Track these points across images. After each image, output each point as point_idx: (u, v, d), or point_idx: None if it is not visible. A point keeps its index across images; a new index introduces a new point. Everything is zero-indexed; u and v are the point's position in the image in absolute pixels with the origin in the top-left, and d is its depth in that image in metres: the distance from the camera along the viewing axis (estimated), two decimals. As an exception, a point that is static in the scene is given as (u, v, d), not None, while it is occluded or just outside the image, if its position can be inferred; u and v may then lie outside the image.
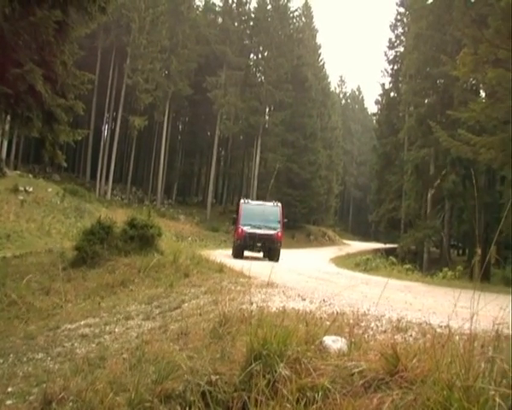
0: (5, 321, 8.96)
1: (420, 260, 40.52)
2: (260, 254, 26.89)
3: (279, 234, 25.44)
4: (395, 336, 3.82)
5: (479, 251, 39.36)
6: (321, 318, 4.90)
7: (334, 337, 3.27)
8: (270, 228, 25.37)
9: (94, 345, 6.28)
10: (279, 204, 27.04)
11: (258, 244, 25.21)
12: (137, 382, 3.63)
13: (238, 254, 24.75)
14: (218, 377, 3.19)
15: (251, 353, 3.03)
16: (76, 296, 9.92)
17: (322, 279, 14.46)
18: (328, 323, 4.54)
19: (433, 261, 39.13)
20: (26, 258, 15.85)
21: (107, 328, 7.08)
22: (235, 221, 26.58)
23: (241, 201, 27.95)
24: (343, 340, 3.22)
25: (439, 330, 4.21)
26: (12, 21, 11.23)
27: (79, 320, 7.82)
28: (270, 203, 27.37)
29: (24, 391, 4.92)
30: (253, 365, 2.93)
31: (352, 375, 2.64)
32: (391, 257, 33.38)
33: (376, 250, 45.42)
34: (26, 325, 8.37)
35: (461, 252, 54.58)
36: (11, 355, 6.43)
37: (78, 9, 12.89)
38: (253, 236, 24.79)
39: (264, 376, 2.86)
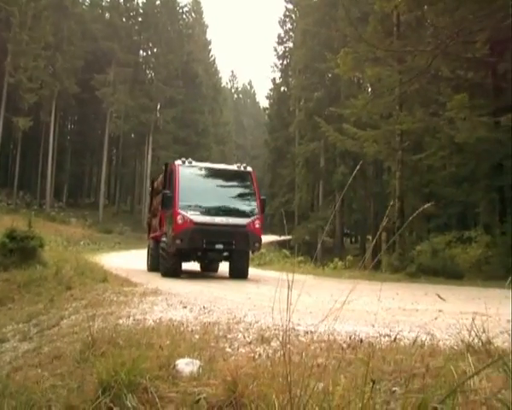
0: None
1: (314, 250, 41.63)
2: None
3: (257, 224, 14.76)
4: (257, 349, 3.90)
5: (370, 238, 41.05)
6: (192, 330, 4.92)
7: (187, 360, 3.29)
8: (239, 214, 14.79)
9: (-38, 375, 5.95)
10: (250, 169, 16.00)
11: (219, 246, 14.34)
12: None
13: (173, 268, 14.64)
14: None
15: (100, 384, 2.98)
16: None
17: (212, 280, 14.56)
18: (197, 336, 4.58)
19: (327, 251, 40.30)
20: None
21: (-20, 353, 6.74)
22: (166, 202, 14.69)
23: (177, 162, 15.45)
24: (196, 362, 3.25)
25: (301, 338, 4.35)
26: None
27: (-51, 347, 7.37)
28: (233, 167, 16.29)
29: None
30: (101, 398, 2.88)
31: (198, 401, 2.67)
32: (284, 250, 34.16)
33: (271, 243, 46.29)
34: None
35: (354, 240, 56.68)
36: None
37: None
38: (208, 229, 14.04)
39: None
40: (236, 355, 3.67)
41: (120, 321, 5.97)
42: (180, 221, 13.99)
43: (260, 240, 14.92)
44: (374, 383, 1.88)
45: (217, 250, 14.48)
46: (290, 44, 56.56)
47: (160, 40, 63.52)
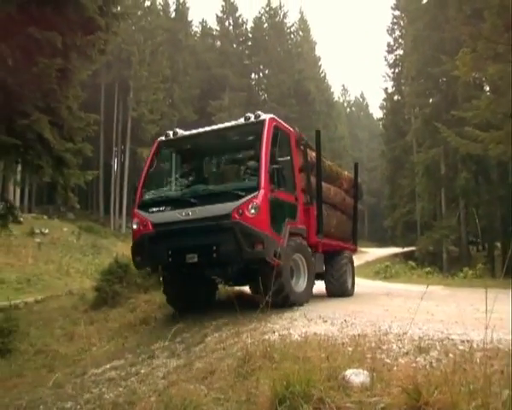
0: (32, 371, 9.06)
1: (439, 260, 40.23)
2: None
3: (253, 209, 8.21)
4: (417, 359, 3.85)
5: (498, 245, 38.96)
6: (343, 343, 4.93)
7: (356, 371, 3.30)
8: (223, 197, 8.53)
9: (121, 389, 6.30)
10: (265, 116, 9.23)
11: (192, 257, 8.49)
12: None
13: (169, 296, 10.08)
14: (245, 423, 3.21)
15: (275, 396, 3.06)
16: (100, 339, 10.00)
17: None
18: (350, 349, 4.59)
19: (453, 261, 38.87)
20: (47, 303, 16.03)
21: (133, 369, 7.11)
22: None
23: (158, 140, 10.39)
24: (365, 372, 3.25)
25: (461, 346, 4.23)
26: (16, 74, 11.48)
27: (105, 364, 7.86)
28: (239, 121, 9.53)
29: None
30: (278, 409, 2.95)
31: (378, 411, 2.67)
32: (410, 262, 33.33)
33: (395, 255, 45.30)
34: (53, 373, 8.44)
35: (480, 248, 54.11)
36: (41, 407, 6.48)
37: (78, 55, 13.17)
38: (173, 232, 8.72)
39: (290, 420, 2.88)
40: (398, 365, 3.64)
41: (266, 337, 6.09)
42: (135, 226, 9.20)
43: (262, 238, 8.19)
44: None
45: (191, 265, 8.70)
46: (400, 52, 55.49)
47: (271, 61, 64.73)
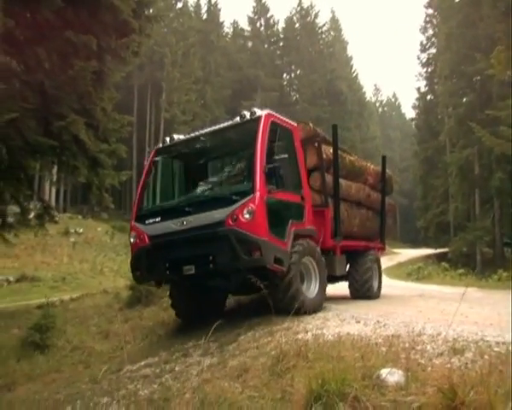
0: (70, 367, 9.24)
1: (473, 262, 39.60)
2: None
3: (247, 213, 7.55)
4: (452, 360, 3.84)
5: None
6: (376, 343, 4.94)
7: (390, 370, 3.31)
8: (217, 203, 7.96)
9: (156, 386, 6.37)
10: (261, 112, 8.43)
11: (189, 269, 8.02)
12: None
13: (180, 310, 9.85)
14: (281, 420, 3.25)
15: (310, 394, 3.09)
16: (134, 337, 10.14)
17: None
18: (384, 349, 4.59)
19: (487, 262, 38.21)
20: (82, 300, 16.31)
21: (168, 367, 7.19)
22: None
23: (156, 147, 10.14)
24: (400, 372, 3.26)
25: (496, 348, 4.21)
26: (53, 77, 11.73)
27: (140, 361, 7.95)
28: (235, 121, 8.81)
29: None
30: (314, 406, 2.98)
31: (413, 410, 2.68)
32: (443, 263, 32.88)
33: (427, 257, 44.73)
34: (89, 369, 8.61)
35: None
36: (78, 401, 6.60)
37: (113, 57, 13.40)
38: (169, 243, 8.28)
39: (325, 418, 2.91)
40: (432, 366, 3.65)
41: (299, 336, 6.12)
42: (132, 239, 8.78)
43: (259, 244, 7.55)
44: None
45: (191, 277, 8.21)
46: (433, 50, 54.75)
47: (302, 61, 64.75)
